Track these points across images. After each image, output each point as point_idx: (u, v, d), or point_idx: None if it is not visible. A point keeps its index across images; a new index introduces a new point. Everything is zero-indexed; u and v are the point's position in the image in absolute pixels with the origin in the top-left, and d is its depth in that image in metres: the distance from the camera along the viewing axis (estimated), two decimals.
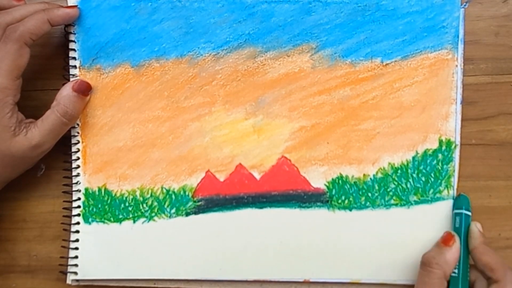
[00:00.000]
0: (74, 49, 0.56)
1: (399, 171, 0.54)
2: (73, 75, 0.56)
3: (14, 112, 0.52)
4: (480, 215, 0.54)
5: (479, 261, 0.49)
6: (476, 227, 0.51)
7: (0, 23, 0.52)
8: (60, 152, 0.57)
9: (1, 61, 0.51)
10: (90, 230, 0.56)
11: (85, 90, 0.55)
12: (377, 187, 0.54)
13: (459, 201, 0.53)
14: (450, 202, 0.53)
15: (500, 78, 0.55)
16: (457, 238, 0.50)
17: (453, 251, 0.50)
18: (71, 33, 0.56)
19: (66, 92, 0.54)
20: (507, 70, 0.55)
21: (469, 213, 0.52)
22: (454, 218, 0.52)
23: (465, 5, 0.54)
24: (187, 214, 0.56)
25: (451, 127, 0.53)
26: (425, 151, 0.53)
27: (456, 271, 0.50)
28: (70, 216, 0.57)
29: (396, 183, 0.54)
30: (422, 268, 0.49)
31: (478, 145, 0.55)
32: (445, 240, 0.50)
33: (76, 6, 0.55)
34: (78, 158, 0.57)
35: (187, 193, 0.56)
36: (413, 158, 0.54)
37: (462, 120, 0.54)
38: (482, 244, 0.50)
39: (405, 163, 0.54)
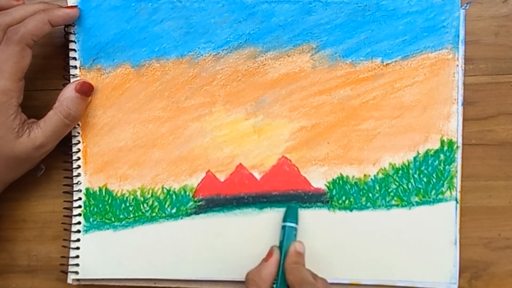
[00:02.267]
0: (74, 49, 0.56)
1: (400, 172, 0.54)
2: (74, 75, 0.56)
3: (18, 114, 0.52)
4: (480, 215, 0.55)
5: (287, 279, 0.51)
6: (293, 247, 0.52)
7: (0, 25, 0.52)
8: (60, 152, 0.57)
9: (3, 64, 0.51)
10: (91, 230, 0.56)
11: (87, 91, 0.55)
12: (378, 188, 0.54)
13: (286, 213, 0.54)
14: (453, 204, 0.53)
15: (500, 78, 0.55)
16: (276, 252, 0.52)
17: (269, 267, 0.51)
18: (71, 33, 0.56)
19: (68, 93, 0.54)
20: (507, 70, 0.55)
21: (293, 225, 0.53)
22: (281, 231, 0.53)
23: (465, 6, 0.54)
24: (188, 214, 0.55)
25: (453, 127, 0.53)
26: (426, 152, 0.54)
27: (274, 286, 0.51)
28: (70, 216, 0.57)
29: (397, 183, 0.54)
30: (245, 285, 0.51)
31: (478, 145, 0.55)
32: (266, 255, 0.52)
33: (76, 6, 0.55)
34: (79, 158, 0.57)
35: (187, 193, 0.56)
36: (415, 158, 0.54)
37: (462, 120, 0.54)
38: (291, 263, 0.51)
39: (406, 164, 0.54)
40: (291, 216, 0.53)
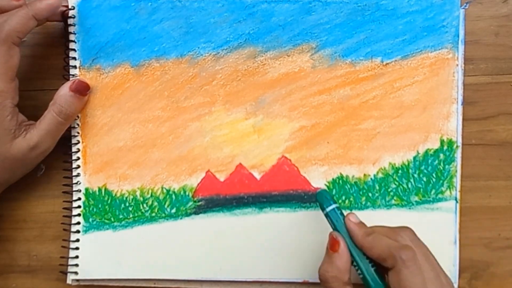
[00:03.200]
0: (74, 49, 0.56)
1: (400, 171, 0.54)
2: (73, 75, 0.56)
3: (14, 115, 0.52)
4: (480, 215, 0.55)
5: (370, 256, 0.47)
6: (351, 223, 0.48)
7: None
8: (60, 152, 0.57)
9: None
10: (91, 230, 0.56)
11: (82, 90, 0.55)
12: (377, 187, 0.54)
13: (321, 199, 0.50)
14: (452, 203, 0.53)
15: (500, 78, 0.55)
16: (341, 239, 0.47)
17: (342, 255, 0.47)
18: (71, 33, 0.56)
19: (63, 91, 0.54)
20: (507, 70, 0.55)
21: (333, 206, 0.49)
22: (327, 219, 0.49)
23: (465, 6, 0.54)
24: (188, 214, 0.55)
25: (453, 127, 0.53)
26: (426, 151, 0.54)
27: (359, 271, 0.47)
28: (70, 216, 0.57)
29: (397, 183, 0.54)
30: (322, 286, 0.47)
31: (478, 145, 0.55)
32: (331, 246, 0.48)
33: None
34: (78, 158, 0.56)
35: (187, 193, 0.56)
36: (414, 158, 0.54)
37: (462, 120, 0.54)
38: (364, 238, 0.47)
39: (406, 163, 0.54)
40: (325, 201, 0.49)
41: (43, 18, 0.53)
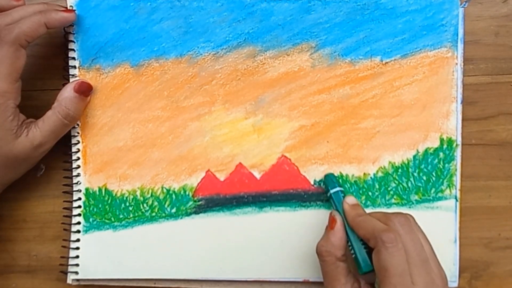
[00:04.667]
0: (73, 49, 0.56)
1: (399, 170, 0.54)
2: (73, 75, 0.56)
3: (16, 115, 0.52)
4: (480, 215, 0.55)
5: (358, 236, 0.49)
6: (346, 204, 0.51)
7: (1, 24, 0.51)
8: (60, 152, 0.57)
9: None
10: (91, 230, 0.56)
11: (86, 90, 0.55)
12: (377, 186, 0.54)
13: (327, 181, 0.53)
14: (452, 202, 0.53)
15: (500, 78, 0.55)
16: (338, 218, 0.50)
17: (336, 233, 0.49)
18: (70, 33, 0.56)
19: (67, 93, 0.54)
20: (507, 70, 0.55)
21: (337, 189, 0.52)
22: (331, 200, 0.53)
23: (464, 5, 0.54)
24: (188, 214, 0.55)
25: (452, 126, 0.53)
26: (426, 150, 0.54)
27: (352, 250, 0.50)
28: (70, 216, 0.57)
29: (396, 182, 0.54)
30: (319, 259, 0.50)
31: (478, 145, 0.55)
32: (330, 223, 0.51)
33: (73, 10, 0.55)
34: (78, 158, 0.57)
35: (187, 193, 0.56)
36: (414, 157, 0.54)
37: (462, 120, 0.54)
38: (354, 218, 0.50)
39: (406, 162, 0.54)
40: (331, 183, 0.52)
41: (53, 27, 0.53)
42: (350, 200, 0.51)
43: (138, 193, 0.56)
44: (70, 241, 0.57)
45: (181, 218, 0.56)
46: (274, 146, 0.55)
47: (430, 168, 0.53)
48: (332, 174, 0.53)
